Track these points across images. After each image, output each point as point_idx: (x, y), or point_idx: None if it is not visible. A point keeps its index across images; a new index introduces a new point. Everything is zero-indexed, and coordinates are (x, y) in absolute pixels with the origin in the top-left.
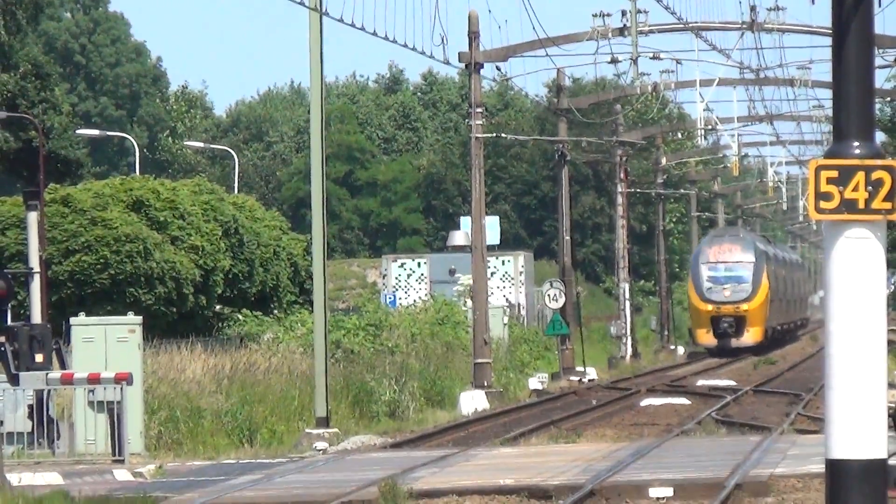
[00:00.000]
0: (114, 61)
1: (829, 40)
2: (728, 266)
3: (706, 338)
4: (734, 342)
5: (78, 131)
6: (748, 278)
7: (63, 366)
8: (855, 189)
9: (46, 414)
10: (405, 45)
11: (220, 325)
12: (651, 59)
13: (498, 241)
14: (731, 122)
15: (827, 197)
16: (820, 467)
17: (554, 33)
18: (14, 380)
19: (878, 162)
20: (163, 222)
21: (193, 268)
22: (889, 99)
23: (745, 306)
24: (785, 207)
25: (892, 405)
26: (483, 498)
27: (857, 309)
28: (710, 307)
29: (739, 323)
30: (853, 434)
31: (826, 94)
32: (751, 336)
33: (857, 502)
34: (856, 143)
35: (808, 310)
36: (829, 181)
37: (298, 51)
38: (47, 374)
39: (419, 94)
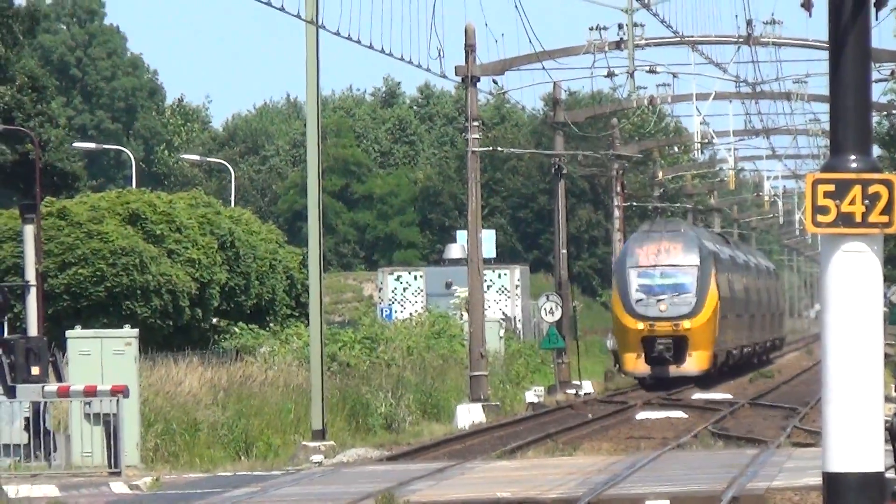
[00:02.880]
0: (110, 74)
1: (825, 54)
2: (664, 271)
3: (636, 364)
4: (673, 370)
5: (74, 144)
6: (691, 287)
7: (59, 378)
8: (852, 202)
9: (43, 426)
10: (402, 59)
11: (216, 338)
12: (647, 72)
13: (494, 255)
14: (727, 136)
15: (824, 210)
16: (817, 480)
17: (550, 47)
18: (10, 392)
19: (875, 176)
20: (159, 235)
21: (190, 281)
22: (886, 113)
23: (686, 324)
24: (781, 221)
25: (889, 418)
26: None
27: (854, 322)
28: (640, 325)
29: (679, 345)
30: (850, 447)
31: (822, 108)
32: (695, 362)
33: None
34: (853, 157)
35: (782, 328)
36: (826, 195)
37: (294, 64)
38: (44, 386)
39: (415, 107)
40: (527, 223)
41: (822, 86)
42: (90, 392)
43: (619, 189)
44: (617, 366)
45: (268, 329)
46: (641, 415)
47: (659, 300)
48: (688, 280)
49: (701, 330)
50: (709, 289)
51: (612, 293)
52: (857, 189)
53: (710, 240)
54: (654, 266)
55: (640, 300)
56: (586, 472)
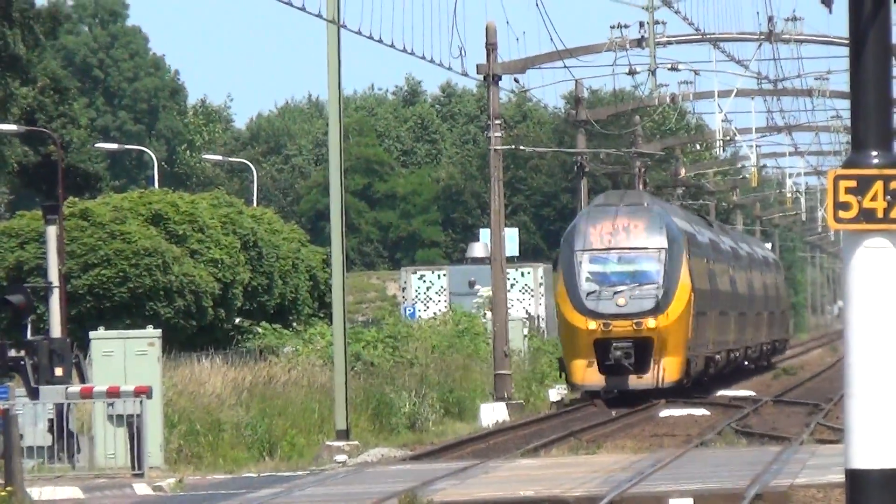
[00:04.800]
0: (132, 75)
1: (846, 50)
2: (623, 256)
3: (587, 374)
4: (633, 381)
5: (96, 145)
6: (656, 275)
7: (83, 379)
8: (873, 198)
9: (66, 428)
10: (423, 57)
11: (239, 338)
12: (669, 70)
13: (517, 253)
14: (749, 133)
15: (845, 206)
16: (840, 477)
17: (572, 45)
18: (34, 394)
19: None
20: (182, 235)
21: (212, 281)
22: None
23: (651, 322)
24: (804, 218)
25: None
26: None
27: (877, 318)
28: (592, 324)
29: (642, 350)
30: (873, 443)
31: (844, 105)
32: (661, 372)
33: None
34: (874, 153)
35: (786, 328)
36: (848, 191)
37: (316, 64)
38: (67, 387)
39: (437, 106)
40: (550, 221)
41: (843, 82)
42: (113, 393)
43: (641, 187)
44: (563, 376)
45: (291, 329)
46: (664, 412)
47: (616, 293)
48: (652, 267)
49: (669, 330)
50: (679, 278)
51: (557, 284)
52: (878, 185)
53: (682, 218)
54: (609, 249)
55: (592, 293)
56: (610, 470)
